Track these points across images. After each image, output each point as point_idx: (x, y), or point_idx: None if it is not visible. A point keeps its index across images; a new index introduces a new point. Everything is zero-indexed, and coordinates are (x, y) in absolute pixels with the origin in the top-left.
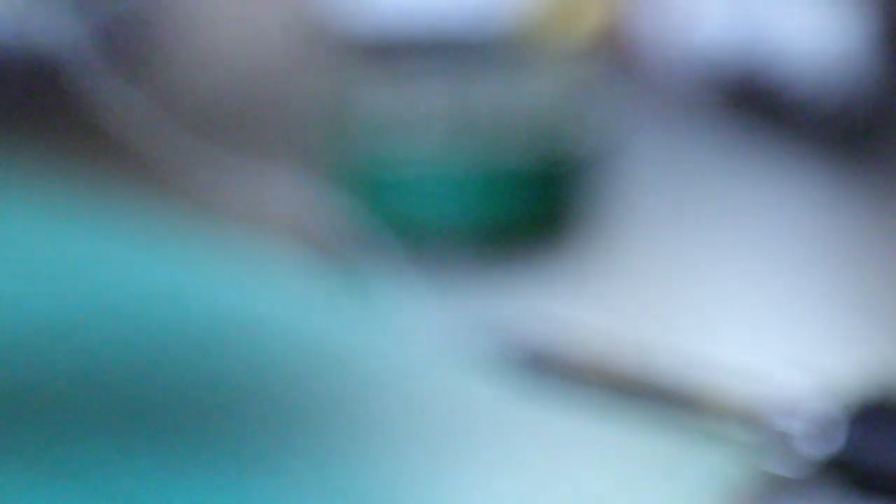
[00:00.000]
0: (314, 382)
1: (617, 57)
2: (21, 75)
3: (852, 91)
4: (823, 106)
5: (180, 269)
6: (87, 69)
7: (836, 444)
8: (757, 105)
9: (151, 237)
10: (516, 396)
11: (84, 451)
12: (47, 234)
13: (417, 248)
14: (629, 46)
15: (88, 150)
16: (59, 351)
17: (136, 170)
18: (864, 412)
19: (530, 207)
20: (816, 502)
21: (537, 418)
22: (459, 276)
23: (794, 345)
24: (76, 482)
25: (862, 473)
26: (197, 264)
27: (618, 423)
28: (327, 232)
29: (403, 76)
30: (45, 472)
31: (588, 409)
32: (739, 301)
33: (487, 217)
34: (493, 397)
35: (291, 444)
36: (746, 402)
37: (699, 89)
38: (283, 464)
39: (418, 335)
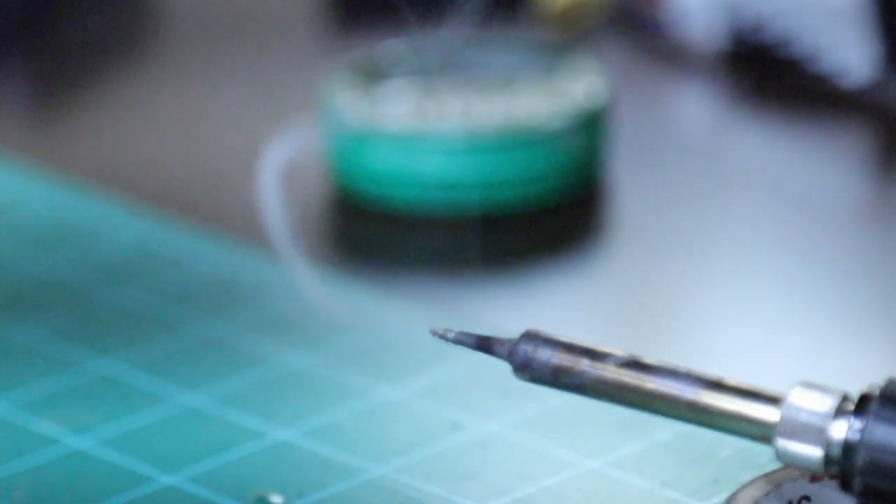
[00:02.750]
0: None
1: (625, 10)
2: None
3: (857, 51)
4: (825, 64)
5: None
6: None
7: (844, 441)
8: (761, 61)
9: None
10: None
11: None
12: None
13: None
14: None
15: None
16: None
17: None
18: (875, 411)
19: (530, 168)
20: (822, 501)
21: (528, 412)
22: (451, 270)
23: (802, 342)
24: None
25: (870, 473)
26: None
27: (618, 425)
28: (309, 192)
29: (402, 26)
30: None
31: (586, 409)
32: (739, 296)
33: (479, 177)
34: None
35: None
36: (752, 399)
37: (704, 44)
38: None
39: (412, 327)
